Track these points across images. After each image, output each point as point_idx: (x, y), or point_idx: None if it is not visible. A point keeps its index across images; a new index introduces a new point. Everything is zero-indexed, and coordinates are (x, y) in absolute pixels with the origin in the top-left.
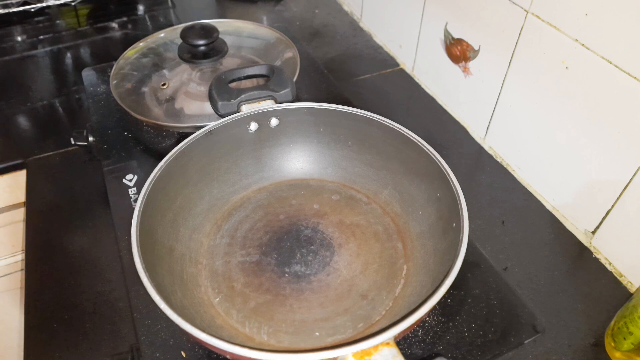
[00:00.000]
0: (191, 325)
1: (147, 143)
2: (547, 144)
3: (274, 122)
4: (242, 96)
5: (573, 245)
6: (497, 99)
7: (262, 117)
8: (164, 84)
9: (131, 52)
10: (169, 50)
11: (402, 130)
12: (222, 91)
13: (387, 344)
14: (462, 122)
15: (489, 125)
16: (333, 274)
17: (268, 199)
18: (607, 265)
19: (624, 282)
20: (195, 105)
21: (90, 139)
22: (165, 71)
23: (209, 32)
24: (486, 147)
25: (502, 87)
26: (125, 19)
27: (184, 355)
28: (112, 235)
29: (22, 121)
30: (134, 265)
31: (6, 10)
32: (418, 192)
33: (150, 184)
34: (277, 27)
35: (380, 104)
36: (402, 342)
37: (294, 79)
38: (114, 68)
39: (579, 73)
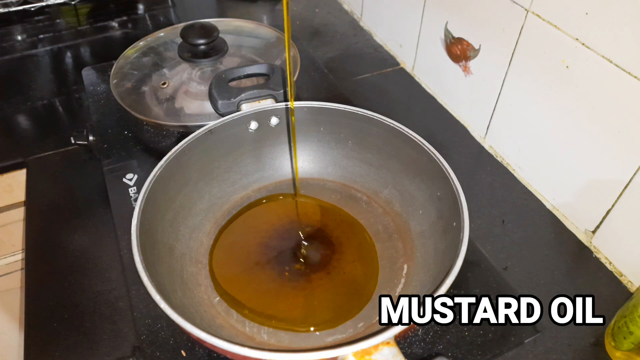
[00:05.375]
0: (191, 324)
1: (147, 142)
2: (548, 143)
3: (274, 121)
4: (242, 95)
5: (573, 245)
6: (498, 98)
7: (262, 116)
8: (164, 83)
9: (131, 51)
10: (169, 50)
11: (403, 130)
12: (222, 90)
13: (388, 343)
14: (462, 122)
15: (489, 125)
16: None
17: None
18: (607, 265)
19: (624, 282)
20: (195, 105)
21: (91, 138)
22: (165, 70)
23: (209, 31)
24: (486, 147)
25: (502, 86)
26: (125, 18)
27: (184, 354)
28: (112, 234)
29: (22, 120)
30: (134, 265)
31: (6, 9)
32: (418, 191)
33: (150, 183)
34: (277, 26)
35: (381, 103)
36: (402, 342)
37: (294, 78)
38: (114, 67)
39: (580, 72)
